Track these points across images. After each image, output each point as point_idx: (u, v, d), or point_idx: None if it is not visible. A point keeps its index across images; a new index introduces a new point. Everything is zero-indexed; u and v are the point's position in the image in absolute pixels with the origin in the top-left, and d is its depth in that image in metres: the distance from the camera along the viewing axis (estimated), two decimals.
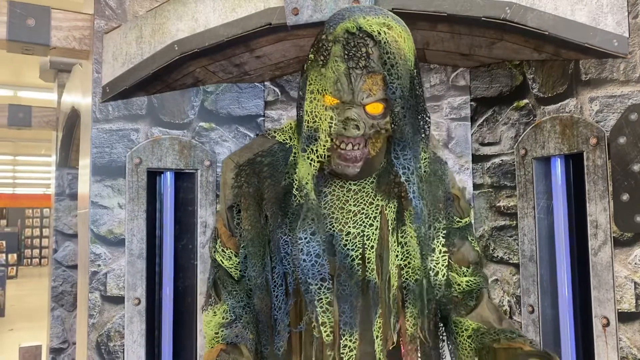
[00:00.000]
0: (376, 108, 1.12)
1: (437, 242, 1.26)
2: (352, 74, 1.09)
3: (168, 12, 2.05)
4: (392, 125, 1.14)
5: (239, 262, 1.28)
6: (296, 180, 1.21)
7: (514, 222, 2.01)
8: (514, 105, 2.04)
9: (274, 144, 1.30)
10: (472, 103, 2.20)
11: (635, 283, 1.63)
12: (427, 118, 1.23)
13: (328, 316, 1.18)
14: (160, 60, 2.05)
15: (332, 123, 1.12)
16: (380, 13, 1.14)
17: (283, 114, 2.33)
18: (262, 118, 2.36)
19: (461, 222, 1.34)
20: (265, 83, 2.36)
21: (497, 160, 2.10)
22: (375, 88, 1.10)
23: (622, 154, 1.65)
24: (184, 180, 2.28)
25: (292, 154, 1.27)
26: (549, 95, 1.89)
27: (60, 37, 2.13)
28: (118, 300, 2.10)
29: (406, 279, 1.24)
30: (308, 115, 1.15)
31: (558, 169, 1.87)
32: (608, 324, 1.68)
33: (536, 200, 1.93)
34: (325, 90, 1.12)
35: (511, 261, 2.02)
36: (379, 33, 1.09)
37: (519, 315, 1.97)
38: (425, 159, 1.25)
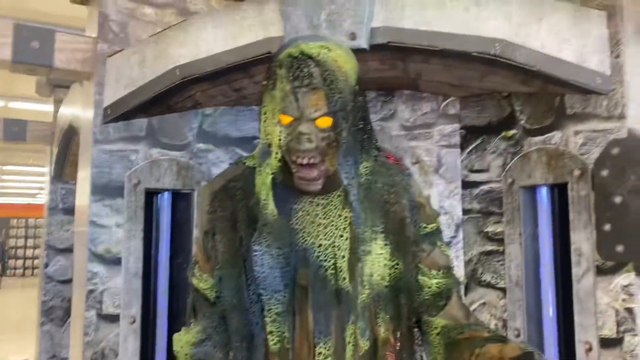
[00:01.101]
0: (325, 122, 1.21)
1: (376, 244, 1.32)
2: (298, 92, 1.19)
3: (170, 38, 2.11)
4: (335, 135, 1.24)
5: (214, 284, 1.34)
6: (262, 197, 1.29)
7: (501, 247, 2.08)
8: (502, 135, 2.13)
9: (245, 169, 1.37)
10: (461, 131, 2.28)
11: (616, 310, 1.70)
12: (368, 129, 1.34)
13: (276, 325, 1.24)
14: (162, 84, 2.11)
15: (281, 136, 1.21)
16: (321, 40, 1.28)
17: None
18: (259, 140, 2.42)
19: (427, 227, 1.40)
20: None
21: (485, 187, 2.18)
22: (321, 103, 1.20)
23: (604, 186, 1.74)
24: (180, 200, 2.33)
25: None
26: (536, 127, 1.98)
27: (63, 59, 2.19)
28: (113, 318, 2.13)
29: (376, 286, 1.31)
30: (262, 134, 1.27)
31: (544, 198, 1.95)
32: (591, 349, 1.75)
33: (522, 227, 2.01)
34: (276, 110, 1.22)
35: (498, 285, 2.09)
36: (319, 54, 1.21)
37: None
38: (366, 167, 1.34)
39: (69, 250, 3.79)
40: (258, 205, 1.29)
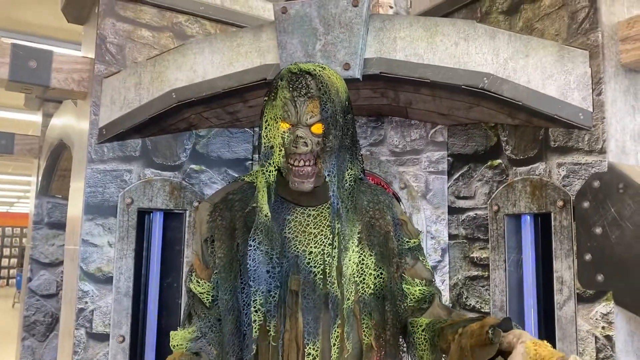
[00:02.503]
0: (319, 128, 1.39)
1: (352, 242, 1.43)
2: (296, 100, 1.37)
3: (167, 62, 2.15)
4: (324, 137, 1.39)
5: (211, 288, 1.43)
6: (258, 203, 1.42)
7: (486, 273, 2.14)
8: (488, 163, 2.20)
9: (244, 184, 1.52)
10: (449, 158, 2.35)
11: (596, 337, 1.77)
12: (356, 145, 1.51)
13: (259, 315, 1.35)
14: (158, 107, 2.15)
15: (284, 136, 1.38)
16: (317, 63, 1.46)
17: None
18: (251, 161, 2.46)
19: (410, 242, 1.52)
20: (255, 128, 2.47)
21: (471, 213, 2.24)
22: (316, 110, 1.38)
23: (585, 217, 1.81)
24: (172, 220, 2.36)
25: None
26: (521, 157, 2.06)
27: (60, 79, 2.22)
28: (103, 337, 2.14)
29: (362, 293, 1.41)
30: (264, 139, 1.41)
31: (528, 226, 2.02)
32: None
33: (507, 254, 2.07)
34: (277, 117, 1.38)
35: (483, 310, 2.14)
36: (315, 70, 1.41)
37: None
38: (351, 175, 1.48)
39: (53, 264, 3.77)
40: (254, 211, 1.41)
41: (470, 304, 2.19)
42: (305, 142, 1.36)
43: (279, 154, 1.38)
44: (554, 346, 1.88)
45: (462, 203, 2.28)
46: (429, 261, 1.82)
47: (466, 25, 1.90)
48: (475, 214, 2.22)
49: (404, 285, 1.46)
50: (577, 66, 1.84)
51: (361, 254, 1.43)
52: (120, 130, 2.19)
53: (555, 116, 1.85)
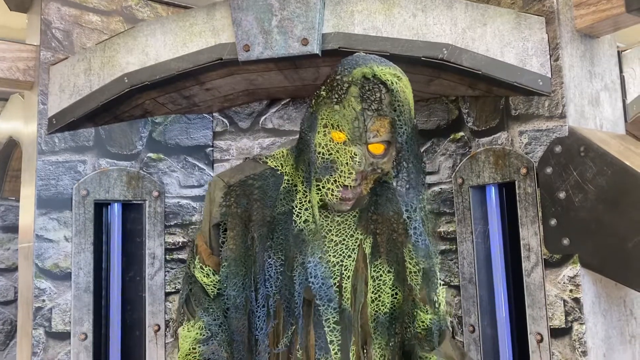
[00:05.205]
0: (378, 148, 1.21)
1: (438, 275, 1.35)
2: (364, 115, 1.18)
3: (118, 46, 2.07)
4: (397, 167, 1.23)
5: (217, 280, 1.31)
6: (296, 206, 1.28)
7: (454, 246, 2.14)
8: (451, 137, 2.19)
9: (266, 169, 1.34)
10: None
11: (565, 301, 1.78)
12: (424, 162, 1.32)
13: (336, 335, 1.25)
14: (110, 93, 2.06)
15: (355, 158, 1.20)
16: (390, 64, 1.25)
17: (232, 145, 2.38)
18: (211, 148, 2.40)
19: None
20: (214, 114, 2.41)
21: (436, 188, 2.23)
22: (383, 130, 1.19)
23: (549, 183, 1.82)
24: (131, 211, 2.27)
25: (285, 181, 1.32)
26: (483, 128, 2.05)
27: (3, 68, 2.10)
28: (64, 336, 2.04)
29: (376, 311, 1.32)
30: (322, 148, 1.22)
31: (493, 196, 2.02)
32: (542, 340, 1.82)
33: (473, 226, 2.07)
34: (339, 126, 1.20)
35: (452, 284, 2.14)
36: (392, 82, 1.19)
37: (461, 335, 2.09)
38: (425, 199, 1.34)
39: (9, 269, 3.61)
40: (284, 214, 1.28)
41: (440, 279, 2.18)
42: (359, 162, 1.20)
43: (348, 177, 1.21)
44: (524, 314, 1.89)
45: (427, 179, 2.27)
46: None
47: None
48: (440, 188, 2.21)
49: (414, 310, 1.36)
50: (534, 33, 1.84)
51: (380, 269, 1.32)
52: (71, 119, 2.09)
53: (515, 83, 1.85)
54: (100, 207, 2.20)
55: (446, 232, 2.18)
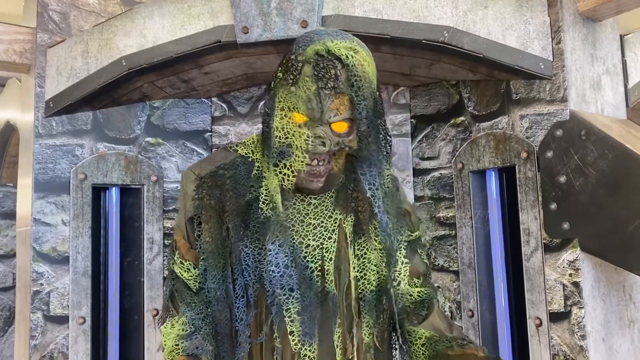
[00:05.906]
0: (341, 126, 1.18)
1: (400, 254, 1.32)
2: (321, 94, 1.14)
3: (115, 28, 2.05)
4: (358, 144, 1.20)
5: (198, 274, 1.29)
6: (262, 193, 1.26)
7: (453, 231, 2.13)
8: (451, 122, 2.18)
9: (237, 157, 1.32)
10: (412, 120, 2.32)
11: (564, 285, 1.77)
12: (388, 137, 1.30)
13: (296, 325, 1.22)
14: (108, 75, 2.04)
15: (308, 141, 1.17)
16: (346, 37, 1.21)
17: (230, 130, 2.36)
18: (210, 133, 2.38)
19: (412, 235, 1.40)
20: (213, 99, 2.39)
21: (436, 173, 2.22)
22: (342, 108, 1.16)
23: (549, 167, 1.81)
24: (129, 196, 2.26)
25: (256, 168, 1.30)
26: (483, 112, 2.04)
27: (0, 51, 2.08)
28: (62, 319, 2.04)
29: (362, 290, 1.30)
30: (279, 132, 1.19)
31: (493, 181, 2.01)
32: (541, 324, 1.82)
33: (473, 211, 2.06)
34: (295, 108, 1.17)
35: (451, 269, 2.14)
36: (347, 57, 1.15)
37: (459, 320, 2.08)
38: (388, 175, 1.31)
39: (8, 256, 3.61)
40: (255, 201, 1.25)
41: (439, 264, 2.18)
42: (323, 142, 1.17)
43: (302, 161, 1.19)
44: (523, 299, 1.89)
45: (426, 164, 2.26)
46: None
47: None
48: (440, 173, 2.20)
49: (402, 285, 1.34)
50: (536, 15, 1.82)
51: (364, 247, 1.30)
52: (68, 102, 2.08)
53: (516, 67, 1.83)
54: (98, 191, 2.19)
55: (445, 218, 2.17)
